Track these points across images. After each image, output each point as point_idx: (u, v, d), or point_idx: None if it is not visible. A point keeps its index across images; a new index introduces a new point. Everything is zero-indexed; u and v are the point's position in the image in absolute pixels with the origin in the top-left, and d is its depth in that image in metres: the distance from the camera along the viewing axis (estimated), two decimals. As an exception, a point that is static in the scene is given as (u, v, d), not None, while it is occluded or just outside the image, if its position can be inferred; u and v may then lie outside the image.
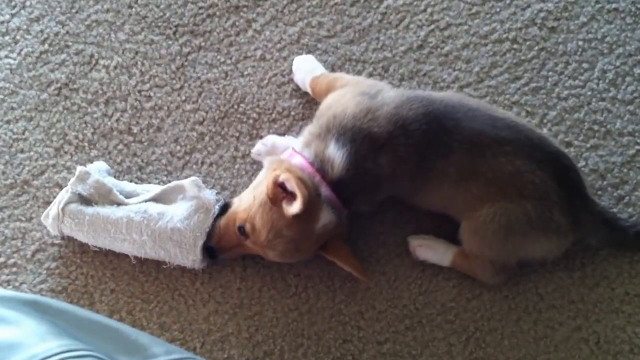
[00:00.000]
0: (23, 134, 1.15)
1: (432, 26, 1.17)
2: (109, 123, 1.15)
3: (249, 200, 0.95)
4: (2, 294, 0.64)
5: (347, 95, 0.97)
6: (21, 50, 1.18)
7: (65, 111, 1.16)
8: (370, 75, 1.15)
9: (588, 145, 1.11)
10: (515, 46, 1.16)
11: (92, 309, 1.05)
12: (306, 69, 1.11)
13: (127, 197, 1.04)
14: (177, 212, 1.00)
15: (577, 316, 1.03)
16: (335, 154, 0.92)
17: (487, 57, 1.15)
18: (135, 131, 1.14)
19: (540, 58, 1.15)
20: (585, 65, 1.15)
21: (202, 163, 1.12)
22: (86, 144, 1.14)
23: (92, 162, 1.10)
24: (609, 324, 1.03)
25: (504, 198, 0.92)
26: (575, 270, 1.05)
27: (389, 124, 0.92)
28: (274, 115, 1.14)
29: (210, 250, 1.00)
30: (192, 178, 1.04)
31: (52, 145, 1.14)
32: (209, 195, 1.02)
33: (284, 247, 0.93)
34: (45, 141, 1.14)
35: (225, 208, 1.00)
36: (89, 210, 1.01)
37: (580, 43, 1.16)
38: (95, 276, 1.07)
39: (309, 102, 1.14)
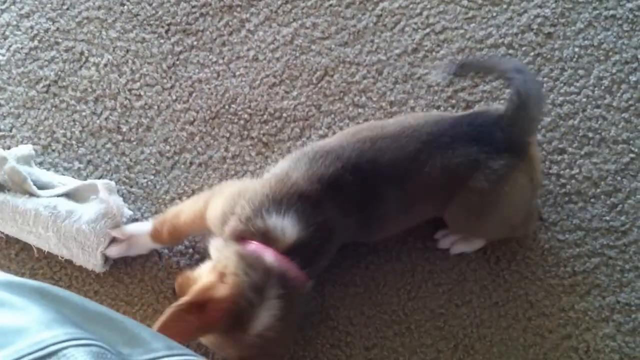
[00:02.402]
0: (10, 131, 1.13)
1: (428, 29, 1.16)
2: (97, 121, 1.13)
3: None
4: (9, 280, 0.64)
5: (237, 185, 0.92)
6: (10, 46, 1.17)
7: (53, 109, 1.14)
8: (364, 77, 1.14)
9: (582, 153, 1.10)
10: (510, 51, 1.15)
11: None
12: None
13: (42, 187, 1.02)
14: (85, 212, 0.98)
15: (567, 324, 1.02)
16: (281, 220, 0.83)
17: (482, 61, 1.15)
18: (124, 130, 1.13)
19: (535, 64, 1.14)
20: (581, 71, 1.14)
21: (191, 163, 1.11)
22: (74, 142, 1.12)
23: (64, 158, 1.08)
24: (599, 332, 1.02)
25: (451, 197, 0.92)
26: (566, 277, 1.04)
27: (313, 184, 0.86)
28: (265, 117, 1.13)
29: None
30: (105, 181, 1.03)
31: (40, 142, 1.12)
32: (118, 201, 1.00)
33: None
34: (32, 139, 1.13)
35: None
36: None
37: (577, 49, 1.15)
38: (79, 277, 1.06)
39: (301, 104, 1.13)
